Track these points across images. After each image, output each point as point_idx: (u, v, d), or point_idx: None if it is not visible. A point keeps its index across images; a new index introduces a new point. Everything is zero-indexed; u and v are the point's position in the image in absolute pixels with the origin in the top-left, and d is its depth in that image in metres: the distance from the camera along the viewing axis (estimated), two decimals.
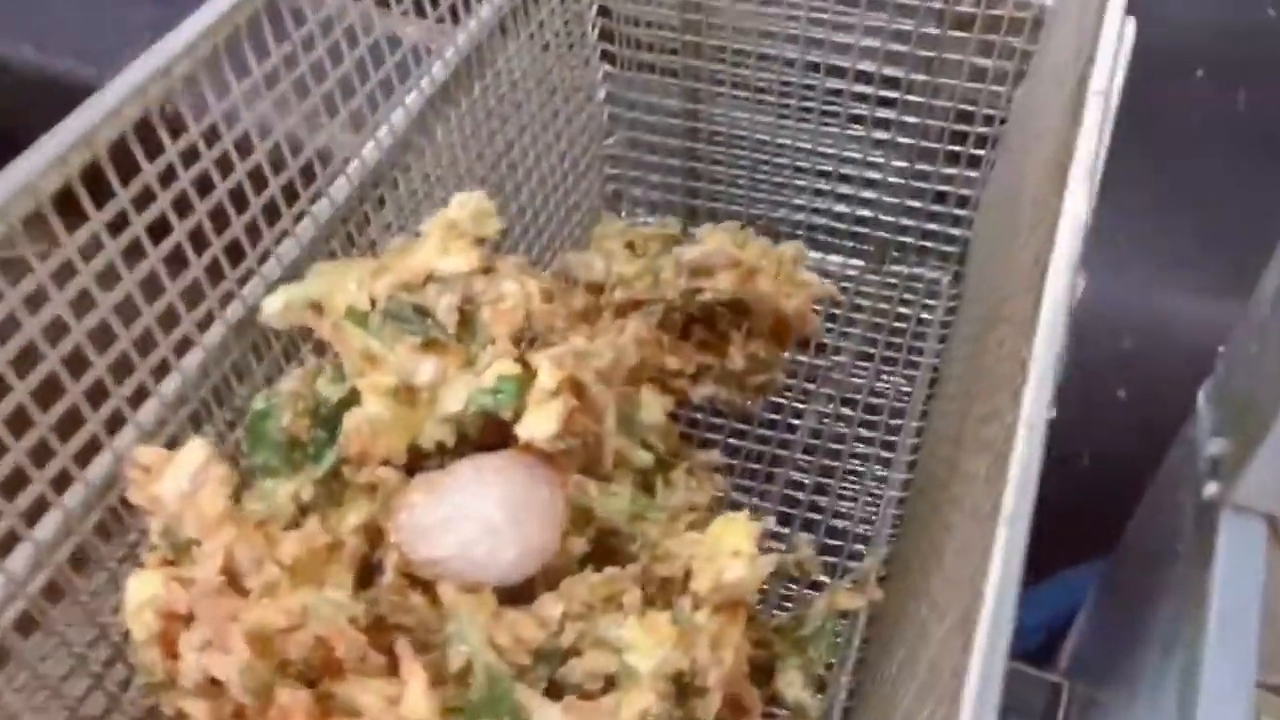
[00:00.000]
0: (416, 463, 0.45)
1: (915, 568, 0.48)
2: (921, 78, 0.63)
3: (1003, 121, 0.63)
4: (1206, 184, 0.77)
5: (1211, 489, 0.50)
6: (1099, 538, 0.65)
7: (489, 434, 0.46)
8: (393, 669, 0.37)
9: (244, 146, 0.43)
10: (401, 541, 0.40)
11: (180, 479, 0.36)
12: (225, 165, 0.42)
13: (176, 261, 0.41)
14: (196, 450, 0.36)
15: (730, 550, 0.42)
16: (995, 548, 0.27)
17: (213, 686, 0.35)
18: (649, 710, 0.37)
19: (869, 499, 0.58)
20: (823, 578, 0.54)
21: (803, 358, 0.65)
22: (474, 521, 0.40)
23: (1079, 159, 0.33)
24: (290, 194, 0.45)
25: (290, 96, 0.45)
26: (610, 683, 0.40)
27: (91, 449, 0.39)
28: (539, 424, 0.41)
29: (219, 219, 0.42)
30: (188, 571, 0.36)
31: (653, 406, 0.53)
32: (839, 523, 0.57)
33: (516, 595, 0.42)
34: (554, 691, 0.39)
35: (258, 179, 0.44)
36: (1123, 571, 0.62)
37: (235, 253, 0.43)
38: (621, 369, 0.46)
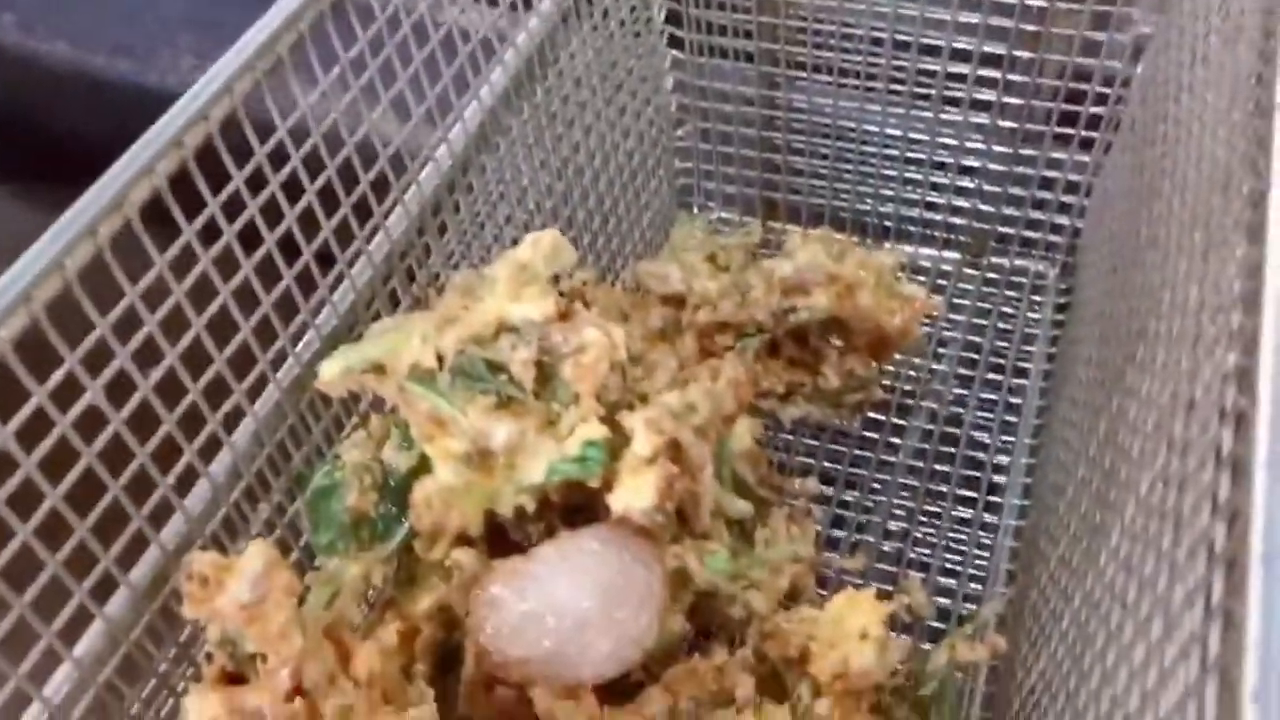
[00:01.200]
0: (494, 530, 0.41)
1: (1048, 616, 0.44)
2: (1026, 55, 0.57)
3: (1119, 101, 0.56)
4: None
5: None
6: None
7: (573, 495, 0.42)
8: None
9: (291, 186, 0.38)
10: (487, 644, 0.35)
11: (241, 589, 0.32)
12: (272, 214, 0.37)
13: (222, 327, 0.36)
14: (257, 555, 0.32)
15: (856, 633, 0.37)
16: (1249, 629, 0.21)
17: None
18: None
19: (982, 532, 0.53)
20: (936, 623, 0.50)
21: (899, 368, 0.60)
22: (565, 616, 0.35)
23: None
24: (344, 235, 0.41)
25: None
26: None
27: (136, 547, 0.34)
28: (635, 495, 0.37)
29: (267, 274, 0.37)
30: (253, 693, 0.32)
31: (740, 433, 0.48)
32: (950, 558, 0.52)
33: (613, 686, 0.38)
34: None
35: (308, 223, 0.39)
36: None
37: (287, 306, 0.39)
38: (718, 419, 0.41)
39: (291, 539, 0.41)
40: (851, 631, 0.38)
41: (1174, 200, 0.40)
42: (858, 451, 0.57)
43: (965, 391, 0.58)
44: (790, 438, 0.57)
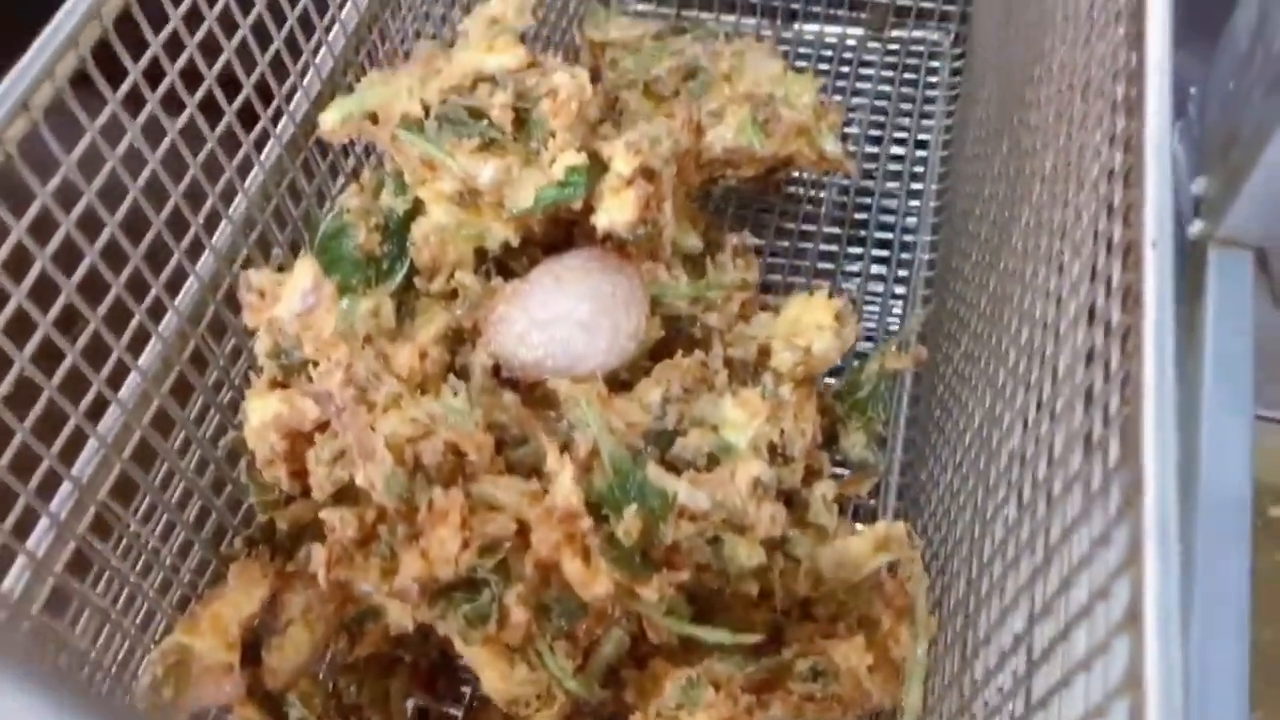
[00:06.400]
0: (481, 266, 0.46)
1: (958, 325, 0.50)
2: None
3: None
4: None
5: (1197, 227, 0.52)
6: None
7: (552, 233, 0.46)
8: (507, 470, 0.38)
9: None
10: (499, 352, 0.40)
11: (294, 299, 0.36)
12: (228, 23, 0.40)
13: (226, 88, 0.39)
14: (306, 270, 0.36)
15: (815, 325, 0.43)
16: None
17: (346, 496, 0.36)
18: (760, 477, 0.39)
19: (900, 254, 0.60)
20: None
21: None
22: (565, 321, 0.40)
23: None
24: (306, 24, 0.44)
25: None
26: (711, 460, 0.42)
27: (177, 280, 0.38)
28: (618, 212, 0.41)
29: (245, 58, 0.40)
30: (308, 388, 0.36)
31: (678, 193, 0.53)
32: (873, 285, 0.59)
33: (611, 384, 0.43)
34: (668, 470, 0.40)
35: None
36: None
37: (279, 69, 0.42)
38: (676, 154, 0.46)
39: None
40: (809, 326, 0.44)
41: None
42: (787, 206, 0.62)
43: (874, 149, 0.64)
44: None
